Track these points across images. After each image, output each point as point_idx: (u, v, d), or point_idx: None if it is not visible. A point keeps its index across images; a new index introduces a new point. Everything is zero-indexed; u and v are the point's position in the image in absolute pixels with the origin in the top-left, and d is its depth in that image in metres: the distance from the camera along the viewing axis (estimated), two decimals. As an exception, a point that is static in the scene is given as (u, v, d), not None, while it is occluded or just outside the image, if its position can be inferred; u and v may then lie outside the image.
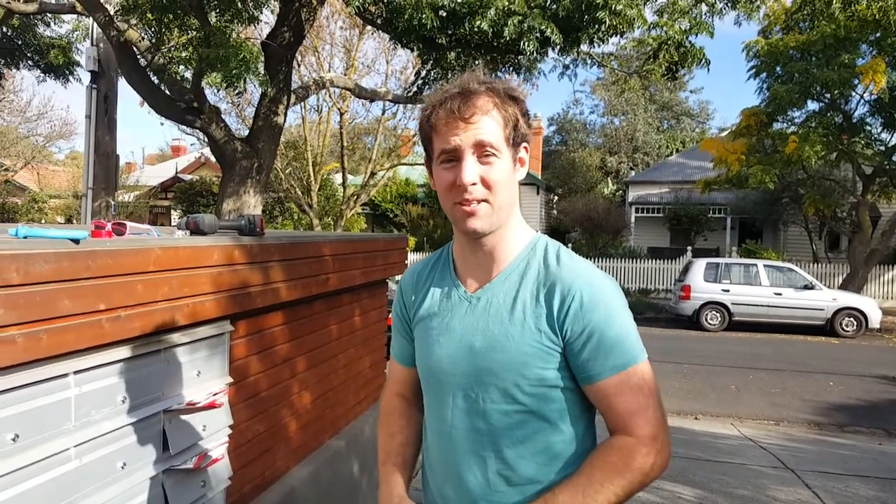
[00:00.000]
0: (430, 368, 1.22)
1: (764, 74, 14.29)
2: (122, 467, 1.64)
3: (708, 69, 7.44)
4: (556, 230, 28.25)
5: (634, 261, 19.08)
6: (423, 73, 8.14)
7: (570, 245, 20.22)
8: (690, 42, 7.20)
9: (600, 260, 19.14)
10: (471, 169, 1.09)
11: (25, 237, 1.34)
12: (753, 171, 13.70)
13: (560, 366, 1.10)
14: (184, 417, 1.86)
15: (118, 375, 1.64)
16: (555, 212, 29.28)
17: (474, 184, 1.09)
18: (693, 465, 4.71)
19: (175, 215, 22.86)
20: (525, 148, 1.17)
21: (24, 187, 24.60)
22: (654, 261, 18.97)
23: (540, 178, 27.66)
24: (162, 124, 38.04)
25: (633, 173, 30.82)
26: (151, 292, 1.67)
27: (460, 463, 1.16)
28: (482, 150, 1.09)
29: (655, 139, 33.82)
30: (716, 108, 58.08)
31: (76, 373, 1.49)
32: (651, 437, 1.07)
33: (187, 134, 19.36)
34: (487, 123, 1.09)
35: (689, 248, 19.74)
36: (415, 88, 8.51)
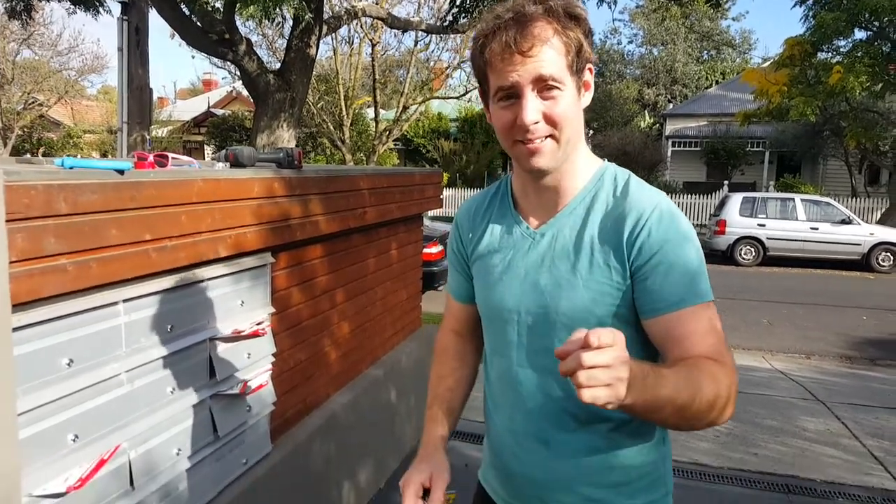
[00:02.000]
0: (492, 307, 1.17)
1: (810, 1, 13.50)
2: (171, 392, 1.70)
3: (757, -7, 7.01)
4: (589, 165, 27.76)
5: (670, 196, 18.58)
6: (459, 0, 7.86)
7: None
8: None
9: (635, 195, 18.78)
10: (532, 107, 1.00)
11: (71, 168, 1.34)
12: (795, 103, 13.12)
13: (625, 302, 1.05)
14: (229, 345, 1.91)
15: (165, 304, 1.67)
16: (589, 146, 28.70)
17: (537, 122, 1.01)
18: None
19: (208, 150, 23.01)
20: (590, 69, 1.06)
21: (59, 122, 24.91)
22: (689, 196, 18.58)
23: (574, 111, 26.98)
24: (193, 57, 37.85)
25: (670, 106, 29.86)
26: (195, 223, 1.69)
27: (528, 401, 1.13)
28: (544, 85, 1.00)
29: (695, 70, 32.51)
30: (758, 38, 55.45)
31: (125, 301, 1.52)
32: (732, 368, 0.99)
33: (219, 67, 19.26)
34: (548, 54, 0.99)
35: (726, 182, 19.23)
36: (450, 18, 8.23)
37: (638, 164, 21.13)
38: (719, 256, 13.03)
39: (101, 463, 1.39)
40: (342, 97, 18.18)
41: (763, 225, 12.60)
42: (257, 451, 2.11)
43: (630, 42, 42.97)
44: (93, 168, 1.39)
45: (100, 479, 1.42)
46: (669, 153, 23.08)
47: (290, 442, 2.30)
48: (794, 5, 13.85)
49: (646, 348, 1.08)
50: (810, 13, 13.48)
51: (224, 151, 2.10)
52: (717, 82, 30.36)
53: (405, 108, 18.45)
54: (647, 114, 30.21)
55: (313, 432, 2.42)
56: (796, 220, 12.55)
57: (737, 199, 13.18)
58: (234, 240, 1.89)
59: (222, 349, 1.88)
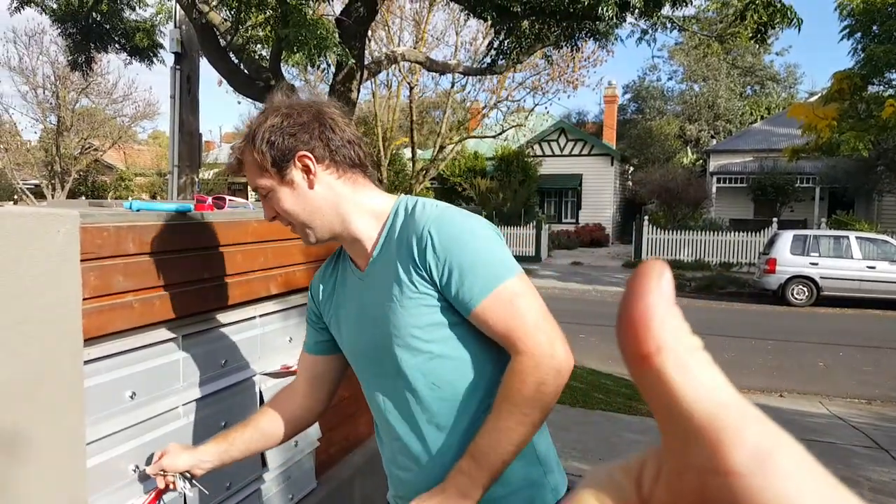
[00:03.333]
0: (349, 351, 1.33)
1: (859, 34, 13.33)
2: (224, 426, 1.75)
3: (799, 29, 7.00)
4: (630, 202, 27.58)
5: (716, 233, 18.39)
6: (497, 43, 8.04)
7: (646, 217, 19.67)
8: (780, 0, 6.79)
9: (679, 232, 18.57)
10: (264, 209, 1.26)
11: (139, 210, 1.44)
12: (846, 138, 12.87)
13: (444, 307, 1.17)
14: (277, 381, 1.97)
15: (219, 340, 1.74)
16: (630, 183, 28.52)
17: (273, 218, 1.25)
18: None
19: (242, 204, 23.64)
20: (303, 156, 1.19)
21: (112, 166, 26.05)
22: (736, 233, 18.22)
23: (614, 147, 26.98)
24: (239, 103, 39.15)
25: (714, 142, 29.58)
26: (249, 262, 1.77)
27: (397, 427, 1.25)
28: (259, 192, 1.23)
29: (738, 106, 32.26)
30: (804, 72, 54.76)
31: (184, 337, 1.60)
32: (534, 346, 1.10)
33: (263, 111, 19.89)
34: (247, 166, 1.23)
35: (775, 219, 18.83)
36: (488, 59, 8.43)
37: (682, 201, 20.89)
38: (770, 296, 12.70)
39: (159, 493, 1.45)
40: (380, 138, 18.59)
41: (816, 264, 12.26)
42: (303, 486, 2.14)
43: (670, 78, 42.89)
44: (158, 210, 1.48)
45: (158, 507, 1.47)
46: (714, 190, 22.76)
47: (334, 479, 2.32)
48: (842, 39, 13.73)
49: (481, 341, 1.19)
50: (859, 46, 13.33)
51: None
52: (762, 117, 30.03)
53: (442, 147, 18.76)
54: (689, 150, 29.98)
55: (356, 470, 2.45)
56: (851, 258, 12.18)
57: (787, 236, 12.90)
58: (285, 278, 1.96)
59: (271, 384, 1.94)
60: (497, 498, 1.19)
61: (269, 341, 1.96)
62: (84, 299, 1.25)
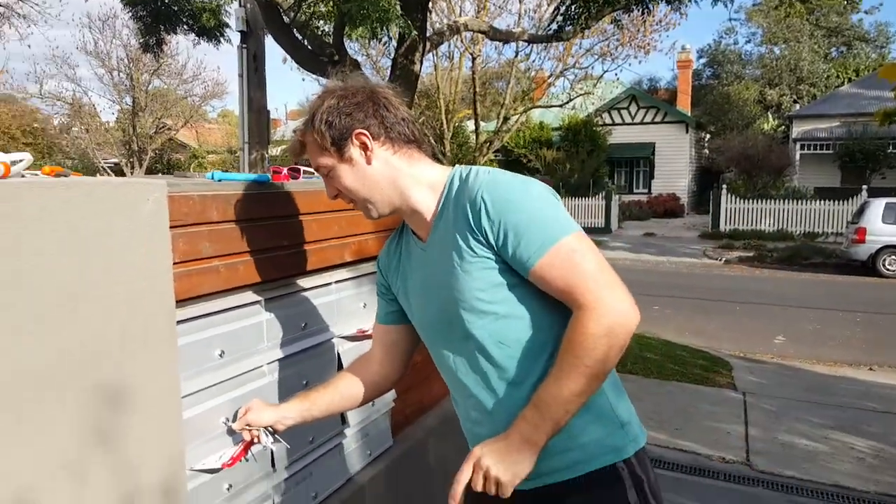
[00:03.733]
0: (418, 320, 1.38)
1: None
2: (305, 384, 1.84)
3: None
4: (707, 171, 26.54)
5: (799, 202, 17.52)
6: (563, 8, 7.86)
7: (724, 186, 18.91)
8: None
9: (760, 202, 17.77)
10: (326, 188, 1.34)
11: (220, 180, 1.52)
12: (944, 98, 11.92)
13: (504, 268, 1.20)
14: (354, 344, 2.04)
15: (298, 305, 1.82)
16: (706, 151, 27.43)
17: (335, 196, 1.33)
18: (867, 417, 4.40)
19: (316, 175, 24.15)
20: (359, 134, 1.24)
21: (185, 144, 27.20)
22: (821, 202, 17.30)
23: (689, 114, 25.95)
24: (304, 80, 39.88)
25: (797, 107, 28.00)
26: (324, 231, 1.84)
27: (469, 384, 1.29)
28: (320, 171, 1.31)
29: (823, 68, 30.29)
30: (897, 29, 50.62)
31: (266, 301, 1.68)
32: (595, 300, 1.10)
33: (327, 88, 20.20)
34: (309, 147, 1.30)
35: (864, 187, 17.73)
36: (554, 26, 8.25)
37: (762, 169, 19.97)
38: (858, 267, 12.05)
39: (247, 446, 1.54)
40: (443, 111, 18.54)
41: (910, 233, 11.52)
42: (380, 444, 2.23)
43: (748, 41, 40.80)
44: (238, 180, 1.56)
45: (249, 458, 1.57)
46: (798, 157, 21.62)
47: (409, 439, 2.40)
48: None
49: (543, 299, 1.20)
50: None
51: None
52: (849, 80, 28.13)
53: (506, 118, 18.52)
54: (770, 116, 28.49)
55: (430, 431, 2.52)
56: (948, 226, 11.38)
57: (879, 204, 12.17)
58: (357, 246, 2.03)
59: (348, 347, 2.02)
60: (573, 448, 1.22)
61: (345, 307, 2.03)
62: (174, 263, 1.34)
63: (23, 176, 1.18)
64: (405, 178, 1.29)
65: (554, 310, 1.21)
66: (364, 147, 1.26)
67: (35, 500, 1.07)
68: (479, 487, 1.13)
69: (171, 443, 1.33)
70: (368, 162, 1.26)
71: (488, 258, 1.20)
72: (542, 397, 1.12)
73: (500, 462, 1.12)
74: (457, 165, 1.33)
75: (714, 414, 4.49)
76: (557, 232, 1.15)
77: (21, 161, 1.18)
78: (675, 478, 3.46)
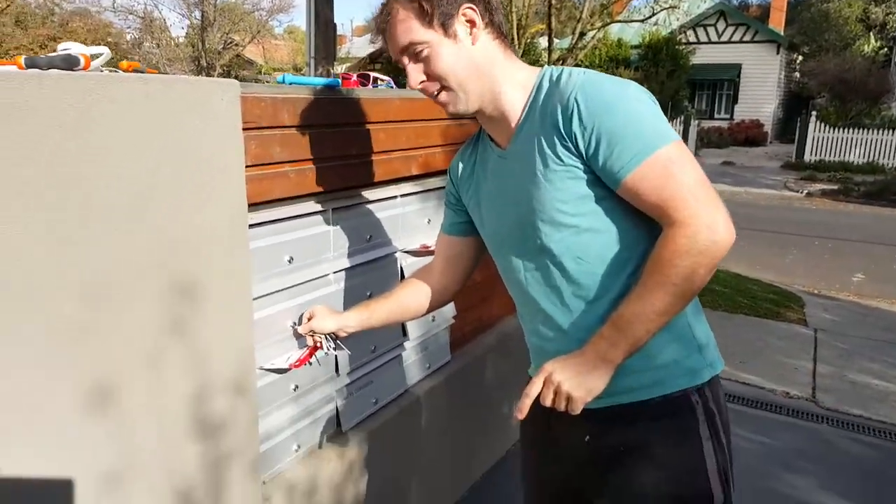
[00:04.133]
0: (489, 231, 1.31)
1: None
2: (369, 295, 1.86)
3: None
4: (796, 96, 24.82)
5: (894, 133, 16.25)
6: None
7: (813, 113, 17.70)
8: None
9: (851, 131, 16.58)
10: (411, 73, 1.16)
11: (291, 84, 1.49)
12: None
13: (591, 179, 1.12)
14: (417, 259, 2.05)
15: (364, 216, 1.83)
16: (797, 74, 25.56)
17: (422, 83, 1.16)
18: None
19: (385, 83, 24.01)
20: (469, 8, 1.13)
21: (252, 61, 27.30)
22: (922, 133, 16.01)
23: (782, 34, 24.07)
24: (370, -8, 38.93)
25: (905, 26, 25.50)
26: (392, 141, 1.80)
27: (540, 300, 1.24)
28: (409, 51, 1.14)
29: (940, -18, 27.27)
30: None
31: (333, 210, 1.69)
32: (690, 216, 1.03)
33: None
34: (400, 23, 1.13)
35: (971, 117, 16.26)
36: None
37: (858, 95, 18.52)
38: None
39: (312, 351, 1.59)
40: (514, 26, 17.76)
41: None
42: (439, 358, 2.27)
43: (857, -48, 36.85)
44: (308, 84, 1.53)
45: (314, 361, 1.63)
46: (898, 82, 19.91)
47: (467, 355, 2.44)
48: None
49: (631, 214, 1.14)
50: None
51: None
52: (968, -4, 25.31)
53: (581, 34, 17.59)
54: (872, 36, 26.10)
55: (488, 349, 2.54)
56: None
57: None
58: (424, 159, 1.99)
59: (411, 262, 2.03)
60: (649, 369, 1.18)
61: (409, 221, 2.02)
62: (246, 166, 1.34)
63: (101, 70, 1.18)
64: (501, 68, 1.19)
65: (641, 226, 1.14)
66: (472, 23, 1.14)
67: (114, 389, 1.13)
68: (548, 402, 1.10)
69: (243, 341, 1.37)
70: (473, 42, 1.15)
71: (575, 167, 1.11)
72: (623, 315, 1.07)
73: (574, 378, 1.08)
74: (546, 66, 1.22)
75: (782, 349, 4.37)
76: (655, 141, 1.06)
77: (101, 55, 1.18)
78: (736, 410, 3.42)
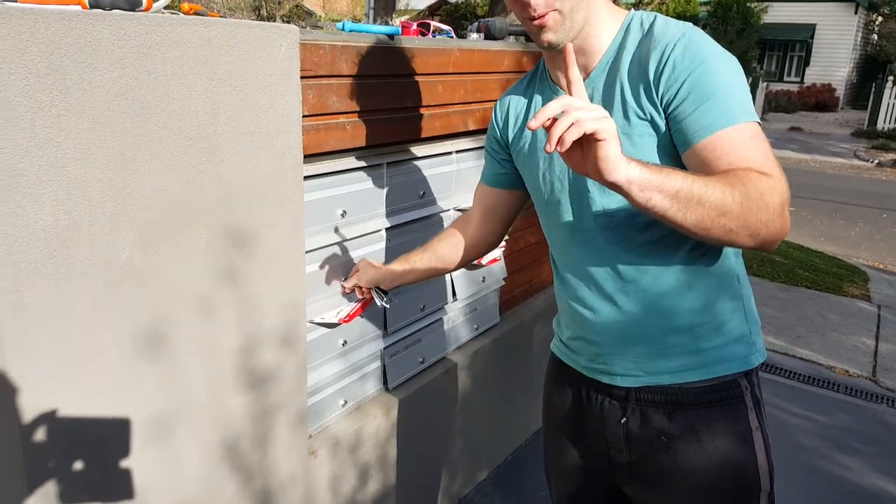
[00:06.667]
0: (543, 182, 1.19)
1: None
2: (421, 253, 1.84)
3: None
4: (873, 60, 23.39)
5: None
6: None
7: (890, 78, 16.66)
8: None
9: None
10: None
11: (350, 31, 1.44)
12: None
13: (664, 139, 1.03)
14: (471, 217, 2.00)
15: (419, 172, 1.78)
16: (875, 36, 24.03)
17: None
18: None
19: (445, 32, 23.65)
20: None
21: (311, 12, 27.17)
22: None
23: (862, -9, 22.58)
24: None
25: None
26: (449, 94, 1.75)
27: (589, 265, 1.16)
28: None
29: None
30: None
31: (388, 164, 1.65)
32: (779, 176, 0.95)
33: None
34: None
35: None
36: None
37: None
38: None
39: (365, 304, 1.58)
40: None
41: None
42: (487, 320, 2.25)
43: None
44: (368, 31, 1.48)
45: (363, 318, 1.62)
46: None
47: (516, 317, 2.40)
48: None
49: None
50: None
51: (477, 23, 2.10)
52: None
53: (649, -11, 16.89)
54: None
55: (537, 313, 2.50)
56: None
57: None
58: (482, 114, 1.93)
59: (465, 219, 1.98)
60: (713, 347, 1.13)
61: (464, 178, 1.98)
62: (303, 116, 1.31)
63: (163, 12, 1.16)
64: (598, 2, 1.09)
65: None
66: None
67: (165, 336, 1.14)
68: (551, 114, 0.84)
69: (294, 294, 1.37)
70: None
71: (654, 122, 1.03)
72: (678, 171, 0.91)
73: (598, 120, 0.83)
74: (633, 10, 1.13)
75: (843, 325, 4.20)
76: (745, 112, 0.98)
77: (162, -2, 1.16)
78: (790, 385, 3.31)
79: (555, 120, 0.84)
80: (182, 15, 1.15)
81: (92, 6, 1.03)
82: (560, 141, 0.82)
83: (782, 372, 3.46)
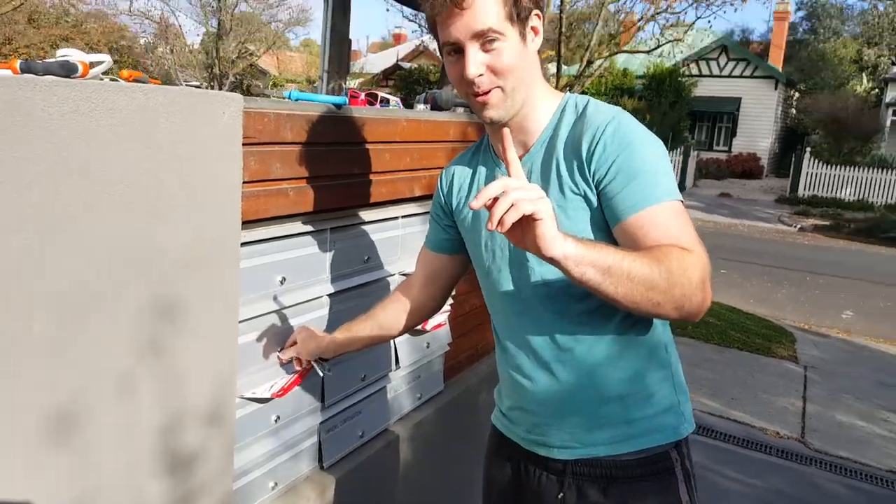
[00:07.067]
0: (485, 252, 1.23)
1: None
2: (364, 320, 1.80)
3: None
4: (792, 131, 25.10)
5: (885, 171, 16.40)
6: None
7: (808, 149, 17.85)
8: None
9: (843, 168, 16.74)
10: (474, 61, 1.05)
11: (297, 99, 1.44)
12: None
13: (596, 215, 1.08)
14: (415, 282, 1.98)
15: (364, 237, 1.76)
16: (794, 111, 25.85)
17: (480, 75, 1.06)
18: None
19: (393, 103, 24.08)
20: (537, 15, 1.09)
21: (266, 71, 27.33)
22: (909, 173, 16.16)
23: (780, 70, 24.35)
24: (388, 10, 39.20)
25: (894, 69, 25.86)
26: (396, 161, 1.75)
27: (528, 333, 1.18)
28: (483, 38, 1.04)
29: (929, 30, 27.69)
30: None
31: (332, 230, 1.62)
32: (701, 255, 1.00)
33: (410, 20, 19.76)
34: (484, 6, 1.03)
35: (959, 161, 16.44)
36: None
37: (850, 133, 18.71)
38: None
39: (302, 375, 1.52)
40: (525, 50, 17.82)
41: None
42: (431, 387, 2.20)
43: (854, -6, 37.67)
44: (315, 101, 1.48)
45: (298, 391, 1.55)
46: (889, 123, 20.13)
47: (461, 383, 2.37)
48: None
49: None
50: None
51: (424, 94, 2.14)
52: (961, 43, 25.74)
53: (589, 62, 17.73)
54: (864, 77, 26.48)
55: (482, 378, 2.47)
56: None
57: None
58: (429, 181, 1.94)
59: (409, 285, 1.96)
60: (632, 421, 1.15)
61: (410, 243, 1.96)
62: (244, 183, 1.28)
63: (101, 79, 1.13)
64: (539, 84, 1.15)
65: None
66: (535, 31, 1.11)
67: (83, 410, 1.06)
68: (492, 193, 0.88)
69: (224, 367, 1.30)
70: (534, 48, 1.11)
71: (587, 198, 1.08)
72: (608, 249, 0.95)
73: (534, 201, 0.87)
74: (568, 93, 1.19)
75: (773, 386, 4.33)
76: (670, 192, 1.04)
77: (101, 63, 1.13)
78: (724, 449, 3.37)
79: (496, 199, 0.87)
80: (121, 82, 1.12)
81: (24, 71, 0.99)
82: (500, 222, 0.86)
83: (717, 435, 3.52)
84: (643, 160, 1.04)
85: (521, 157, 1.17)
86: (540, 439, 1.22)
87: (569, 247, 0.91)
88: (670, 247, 0.98)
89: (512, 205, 0.86)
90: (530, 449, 1.25)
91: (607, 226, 1.08)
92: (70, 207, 0.98)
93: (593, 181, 1.07)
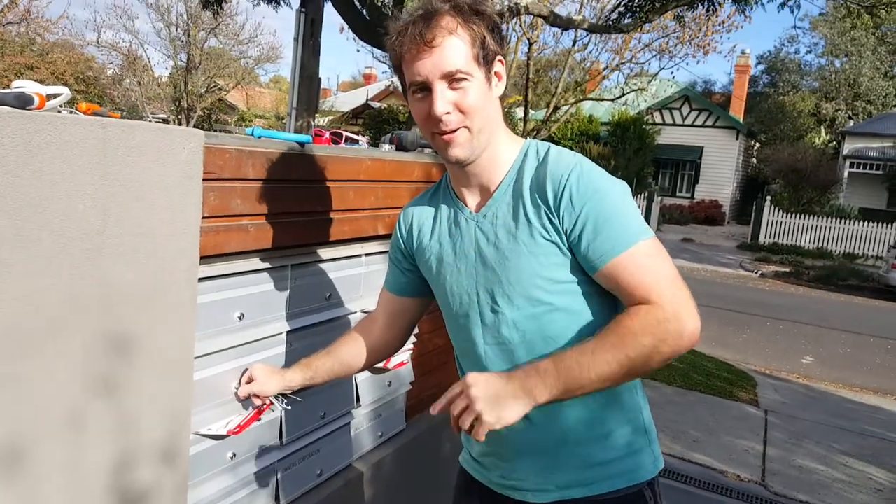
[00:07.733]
0: (451, 295, 1.23)
1: None
2: (323, 358, 1.78)
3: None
4: (753, 180, 25.89)
5: (842, 221, 17.00)
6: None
7: (768, 198, 18.43)
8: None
9: (802, 217, 17.30)
10: (441, 99, 1.07)
11: (260, 137, 1.45)
12: None
13: (571, 260, 1.10)
14: (377, 321, 1.98)
15: (326, 274, 1.76)
16: (754, 160, 26.73)
17: (448, 113, 1.08)
18: (889, 448, 4.25)
19: (363, 141, 24.26)
20: (500, 61, 1.13)
21: (234, 106, 27.38)
22: (865, 223, 16.76)
23: (741, 121, 25.25)
24: (358, 51, 39.83)
25: (851, 123, 27.03)
26: (360, 200, 1.76)
27: None
28: (451, 77, 1.07)
29: (882, 86, 29.07)
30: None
31: (293, 266, 1.62)
32: (666, 302, 1.02)
33: (380, 61, 20.09)
34: (453, 46, 1.06)
35: (912, 212, 17.15)
36: (615, 15, 8.02)
37: (809, 183, 19.41)
38: (894, 293, 11.67)
39: (258, 413, 1.50)
40: (493, 95, 18.20)
41: (955, 262, 11.10)
42: (393, 426, 2.18)
43: (809, 51, 39.65)
44: (278, 139, 1.49)
45: (255, 428, 1.52)
46: (846, 174, 20.96)
47: (423, 423, 2.34)
48: None
49: (604, 299, 1.13)
50: None
51: (390, 135, 2.17)
52: (908, 100, 27.12)
53: (556, 108, 18.19)
54: (822, 129, 27.61)
55: (445, 418, 2.44)
56: None
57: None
58: (392, 219, 1.95)
59: (371, 323, 1.96)
60: (605, 462, 1.15)
61: (373, 281, 1.97)
62: (203, 218, 1.28)
63: (59, 111, 1.13)
64: (501, 128, 1.17)
65: (613, 311, 1.12)
66: (498, 76, 1.15)
67: (31, 446, 1.03)
68: (456, 412, 1.01)
69: (179, 404, 1.28)
70: (497, 92, 1.15)
71: (558, 244, 1.10)
72: (566, 360, 1.01)
73: (490, 400, 0.99)
74: (528, 139, 1.21)
75: (734, 429, 4.37)
76: (639, 234, 1.06)
77: (59, 96, 1.13)
78: (686, 491, 3.37)
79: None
80: (79, 115, 1.12)
81: (-22, 100, 0.99)
82: (457, 426, 1.01)
83: (679, 477, 3.53)
84: (612, 204, 1.07)
85: (484, 202, 1.19)
86: (515, 483, 1.22)
87: (526, 407, 1.00)
88: (633, 317, 1.02)
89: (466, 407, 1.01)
90: (503, 493, 1.24)
91: (582, 269, 1.10)
92: (17, 238, 0.96)
93: (563, 230, 1.09)
